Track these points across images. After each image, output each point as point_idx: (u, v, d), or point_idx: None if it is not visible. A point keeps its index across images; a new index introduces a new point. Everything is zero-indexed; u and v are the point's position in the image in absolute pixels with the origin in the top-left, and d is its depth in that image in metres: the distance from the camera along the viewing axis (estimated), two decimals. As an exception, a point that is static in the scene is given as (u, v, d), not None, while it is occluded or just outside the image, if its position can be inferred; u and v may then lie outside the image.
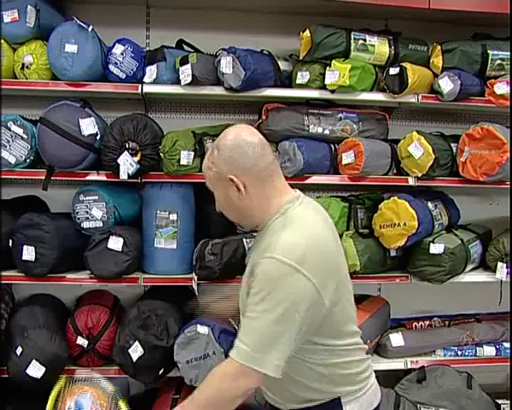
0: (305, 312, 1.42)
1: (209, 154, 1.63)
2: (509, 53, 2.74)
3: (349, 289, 1.65)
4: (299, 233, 1.50)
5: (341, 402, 1.60)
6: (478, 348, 2.85)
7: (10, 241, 2.45)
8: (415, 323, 2.98)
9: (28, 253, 2.41)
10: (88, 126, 2.46)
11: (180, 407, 1.54)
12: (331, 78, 2.59)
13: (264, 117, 2.68)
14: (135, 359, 2.42)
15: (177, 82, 2.57)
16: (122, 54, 2.52)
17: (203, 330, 2.43)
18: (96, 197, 2.54)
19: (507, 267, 2.71)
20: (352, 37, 2.65)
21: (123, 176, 2.46)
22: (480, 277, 2.84)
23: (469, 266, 2.81)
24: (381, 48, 2.70)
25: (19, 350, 2.36)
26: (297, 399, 1.63)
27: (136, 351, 2.42)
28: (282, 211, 1.58)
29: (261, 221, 1.62)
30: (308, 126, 2.69)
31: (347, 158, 2.66)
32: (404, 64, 2.64)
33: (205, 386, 1.50)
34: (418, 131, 2.68)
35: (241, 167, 1.55)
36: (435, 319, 3.03)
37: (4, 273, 2.49)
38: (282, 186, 1.64)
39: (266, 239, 1.54)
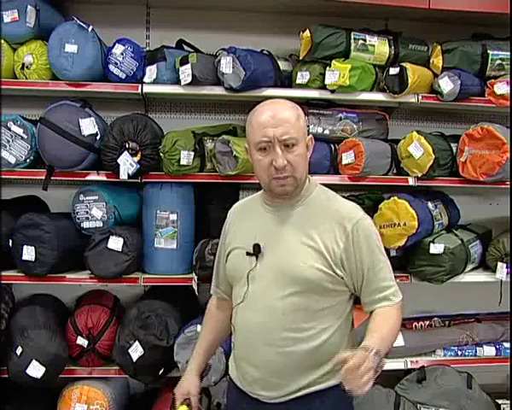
0: None
1: (290, 106, 1.62)
2: (509, 53, 2.74)
3: None
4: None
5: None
6: (478, 348, 2.85)
7: (10, 241, 2.45)
8: (415, 323, 2.98)
9: (28, 253, 2.41)
10: (88, 126, 2.46)
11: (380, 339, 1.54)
12: (331, 78, 2.59)
13: (264, 117, 2.68)
14: (135, 359, 2.43)
15: (177, 82, 2.57)
16: (122, 54, 2.53)
17: (203, 330, 2.43)
18: (96, 197, 2.54)
19: (507, 267, 2.71)
20: (352, 37, 2.65)
21: (123, 176, 2.46)
22: (480, 277, 2.84)
23: (469, 266, 2.81)
24: (381, 48, 2.70)
25: (19, 350, 2.36)
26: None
27: (136, 351, 2.42)
28: (315, 184, 1.72)
29: (301, 186, 1.65)
30: (308, 126, 2.68)
31: (347, 158, 2.66)
32: (404, 64, 2.64)
33: (392, 329, 1.66)
34: (418, 131, 2.68)
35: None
36: (435, 319, 3.03)
37: (4, 273, 2.49)
38: None
39: (318, 206, 1.65)
